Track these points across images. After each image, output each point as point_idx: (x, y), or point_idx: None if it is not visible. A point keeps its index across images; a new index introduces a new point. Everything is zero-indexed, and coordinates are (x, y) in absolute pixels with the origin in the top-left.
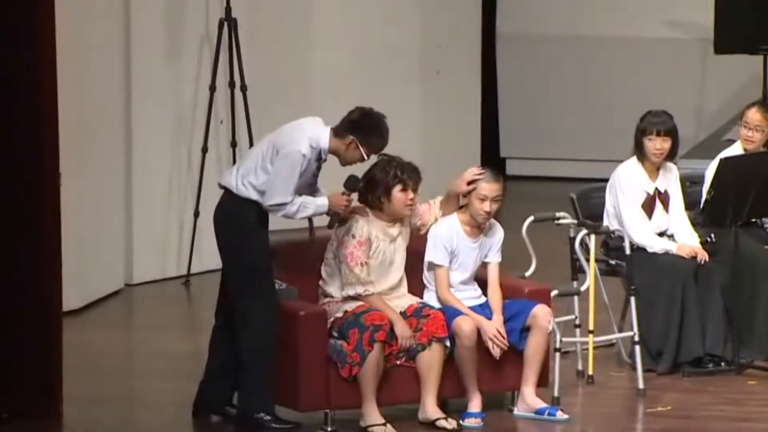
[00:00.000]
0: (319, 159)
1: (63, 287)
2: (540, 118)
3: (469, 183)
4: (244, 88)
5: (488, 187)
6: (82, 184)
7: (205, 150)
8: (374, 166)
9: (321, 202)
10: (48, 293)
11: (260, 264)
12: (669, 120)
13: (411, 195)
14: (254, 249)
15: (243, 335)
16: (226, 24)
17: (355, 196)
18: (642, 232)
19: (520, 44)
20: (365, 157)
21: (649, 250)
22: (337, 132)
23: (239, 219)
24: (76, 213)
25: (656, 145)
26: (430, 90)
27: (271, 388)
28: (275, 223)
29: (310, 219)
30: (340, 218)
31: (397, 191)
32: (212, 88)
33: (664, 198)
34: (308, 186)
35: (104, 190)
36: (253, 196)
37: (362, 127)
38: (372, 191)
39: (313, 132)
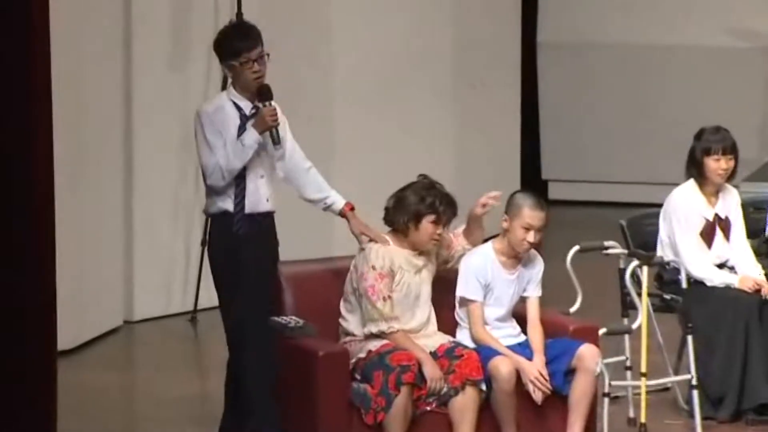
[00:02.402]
0: (240, 110)
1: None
2: (586, 136)
3: (484, 205)
4: None
5: (534, 215)
6: (77, 209)
7: None
8: (409, 186)
9: (247, 134)
10: (40, 331)
11: (249, 293)
12: (729, 136)
13: (440, 230)
14: (239, 276)
15: (244, 377)
16: None
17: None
18: (700, 263)
19: (564, 54)
20: (249, 67)
21: (708, 283)
22: (223, 73)
23: (219, 242)
24: (71, 241)
25: (722, 165)
26: (464, 105)
27: (277, 409)
28: (290, 252)
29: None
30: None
31: (427, 221)
32: None
33: (724, 225)
34: (268, 155)
35: (101, 215)
36: (219, 203)
37: (220, 45)
38: (400, 213)
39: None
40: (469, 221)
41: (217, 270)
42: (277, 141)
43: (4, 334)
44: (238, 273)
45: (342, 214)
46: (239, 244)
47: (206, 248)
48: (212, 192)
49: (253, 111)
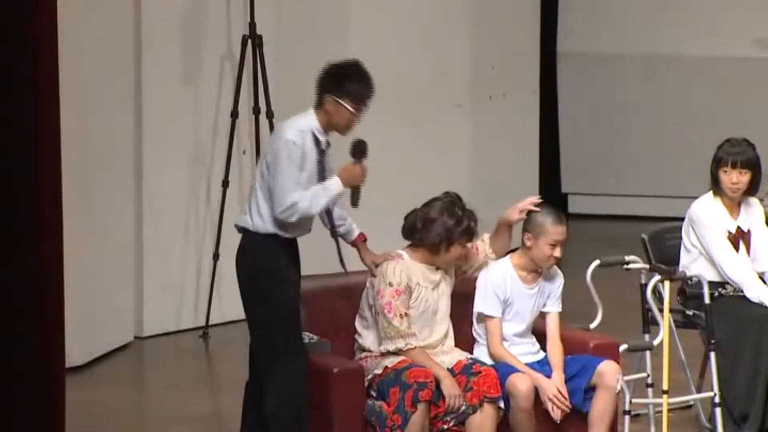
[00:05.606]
0: (318, 143)
1: (65, 341)
2: (606, 149)
3: (521, 211)
4: (270, 115)
5: (558, 230)
6: (86, 224)
7: (225, 184)
8: (434, 205)
9: (331, 183)
10: (48, 348)
11: (288, 311)
12: (749, 149)
13: (466, 249)
14: (281, 294)
15: (268, 394)
16: (250, 41)
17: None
18: (738, 267)
19: (585, 64)
20: (353, 112)
21: (745, 292)
22: (316, 103)
23: (262, 259)
24: (80, 257)
25: (732, 178)
26: (481, 116)
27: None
28: (304, 268)
29: (332, 226)
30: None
31: (459, 243)
32: (234, 115)
33: (747, 238)
34: (321, 182)
35: (111, 231)
36: (272, 228)
37: (332, 80)
38: (428, 233)
39: (296, 119)
40: (499, 227)
41: (253, 288)
42: (356, 201)
43: (12, 353)
44: (274, 292)
45: (354, 243)
46: (281, 266)
47: (241, 264)
48: (269, 217)
49: (326, 147)
